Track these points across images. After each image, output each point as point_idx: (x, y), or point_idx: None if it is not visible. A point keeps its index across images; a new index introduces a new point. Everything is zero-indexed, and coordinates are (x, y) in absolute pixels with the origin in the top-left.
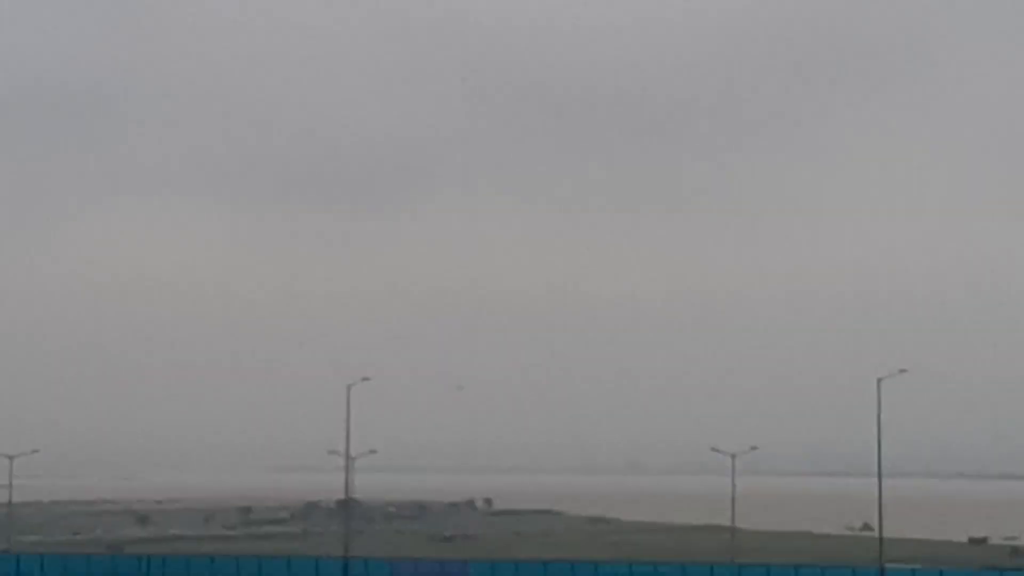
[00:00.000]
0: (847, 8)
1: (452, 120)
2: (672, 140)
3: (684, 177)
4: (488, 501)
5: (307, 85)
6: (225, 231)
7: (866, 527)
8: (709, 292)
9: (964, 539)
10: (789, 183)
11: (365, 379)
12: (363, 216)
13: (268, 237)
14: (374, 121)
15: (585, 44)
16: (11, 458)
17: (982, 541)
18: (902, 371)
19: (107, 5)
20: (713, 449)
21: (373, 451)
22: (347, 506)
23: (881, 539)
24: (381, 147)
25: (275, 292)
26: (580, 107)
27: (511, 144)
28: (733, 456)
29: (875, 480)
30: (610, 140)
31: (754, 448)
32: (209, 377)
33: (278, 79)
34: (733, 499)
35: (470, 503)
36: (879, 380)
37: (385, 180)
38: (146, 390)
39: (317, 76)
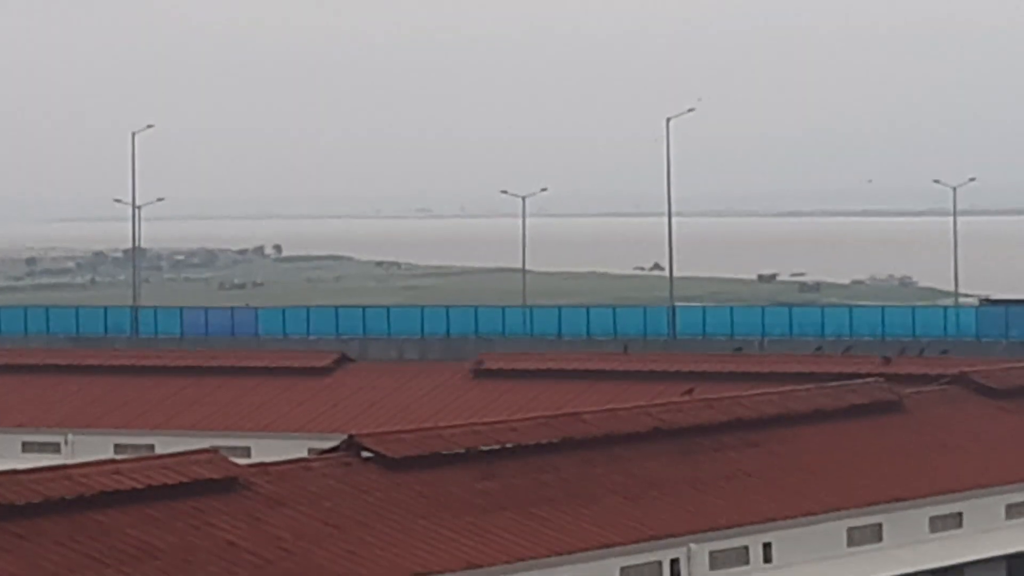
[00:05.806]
0: None
1: None
2: None
3: None
4: (277, 248)
5: None
6: None
7: (656, 266)
8: (490, 37)
9: (754, 276)
10: None
11: (150, 126)
12: None
13: None
14: None
15: None
16: None
17: (771, 278)
18: (690, 110)
19: None
20: (502, 191)
21: (160, 199)
22: (134, 255)
23: (672, 277)
24: None
25: (42, 39)
26: None
27: None
28: (523, 198)
29: (665, 219)
30: None
31: (544, 190)
32: None
33: None
34: (524, 241)
35: (259, 250)
36: (668, 119)
37: None
38: None
39: None
